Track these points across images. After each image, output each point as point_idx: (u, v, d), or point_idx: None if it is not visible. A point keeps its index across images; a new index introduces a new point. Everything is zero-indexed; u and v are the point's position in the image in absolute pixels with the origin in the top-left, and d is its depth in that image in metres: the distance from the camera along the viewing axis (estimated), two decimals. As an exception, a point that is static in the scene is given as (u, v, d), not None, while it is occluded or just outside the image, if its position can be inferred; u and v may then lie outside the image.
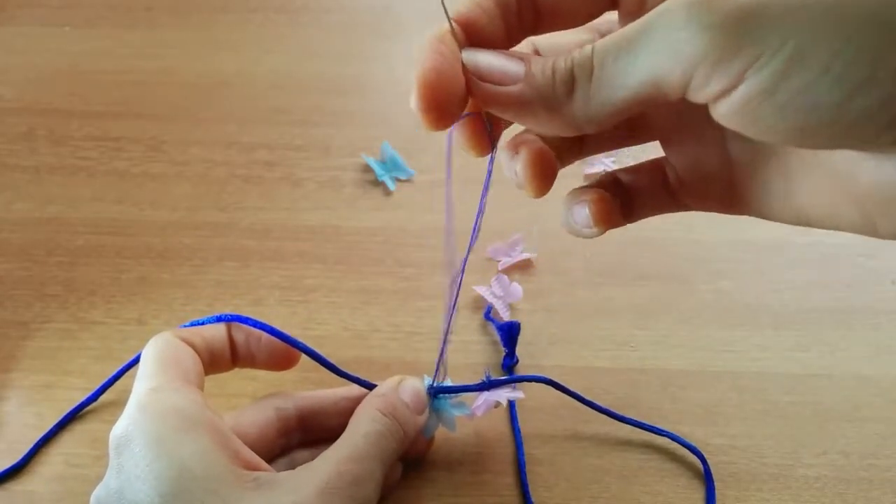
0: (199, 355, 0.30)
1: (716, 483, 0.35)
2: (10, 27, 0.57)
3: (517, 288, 0.41)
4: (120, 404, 0.37)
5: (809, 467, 0.36)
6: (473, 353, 0.40)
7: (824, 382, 0.38)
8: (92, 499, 0.27)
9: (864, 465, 0.36)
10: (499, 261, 0.43)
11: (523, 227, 0.44)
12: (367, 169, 0.47)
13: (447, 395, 0.35)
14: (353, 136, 0.49)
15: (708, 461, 0.35)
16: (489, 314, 0.41)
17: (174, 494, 0.25)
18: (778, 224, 0.45)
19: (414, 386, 0.33)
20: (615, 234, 0.44)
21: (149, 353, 0.29)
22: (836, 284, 0.42)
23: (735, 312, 0.41)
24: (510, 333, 0.38)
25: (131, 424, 0.26)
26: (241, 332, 0.32)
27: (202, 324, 0.33)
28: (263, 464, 0.28)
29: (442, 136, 0.53)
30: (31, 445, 0.36)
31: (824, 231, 0.46)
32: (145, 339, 0.39)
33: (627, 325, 0.40)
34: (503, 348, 0.39)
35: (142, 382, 0.28)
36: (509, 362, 0.39)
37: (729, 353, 0.39)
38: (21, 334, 0.40)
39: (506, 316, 0.41)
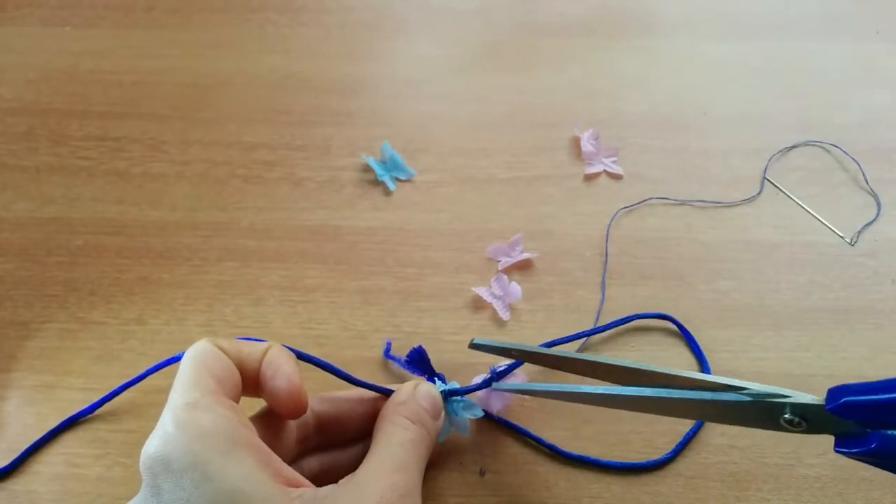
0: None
1: (716, 483, 0.35)
2: (10, 27, 0.57)
3: (516, 288, 0.41)
4: (120, 404, 0.38)
5: (809, 467, 0.36)
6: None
7: (824, 382, 0.38)
8: None
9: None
10: (499, 261, 0.43)
11: (523, 227, 0.44)
12: (367, 169, 0.47)
13: (458, 397, 0.35)
14: (353, 136, 0.49)
15: (699, 426, 0.36)
16: (388, 352, 0.39)
17: None
18: (778, 224, 0.46)
19: (430, 391, 0.33)
20: (615, 233, 0.44)
21: (186, 363, 0.28)
22: (836, 284, 0.42)
23: (735, 312, 0.41)
24: (420, 359, 0.36)
25: (169, 444, 0.25)
26: (268, 362, 0.30)
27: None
28: (303, 479, 0.27)
29: (442, 136, 0.53)
30: (30, 445, 0.36)
31: (824, 231, 0.46)
32: (145, 339, 0.40)
33: (628, 325, 0.40)
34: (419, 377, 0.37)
35: (177, 394, 0.27)
36: (434, 380, 0.36)
37: (729, 353, 0.39)
38: (21, 334, 0.40)
39: (506, 316, 0.41)
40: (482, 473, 0.36)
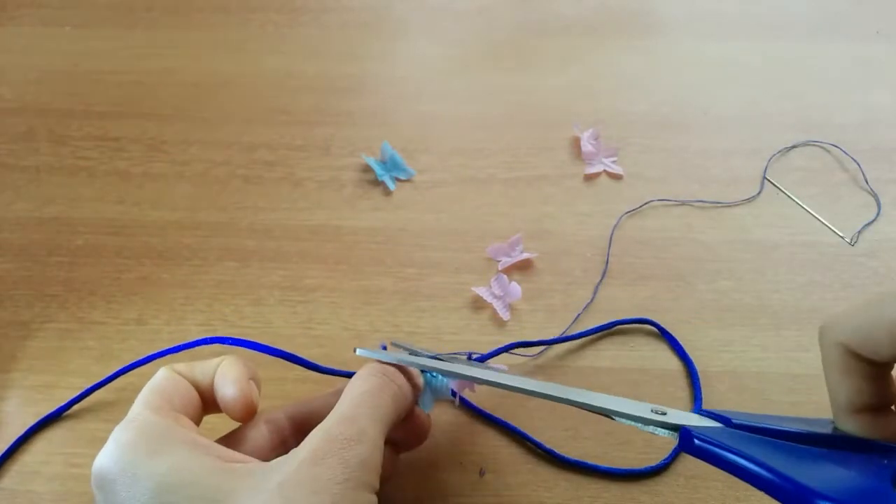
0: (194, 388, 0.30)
1: (716, 483, 0.35)
2: (10, 27, 0.57)
3: (516, 288, 0.41)
4: (120, 404, 0.38)
5: (809, 467, 0.36)
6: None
7: (824, 382, 0.38)
8: None
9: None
10: (499, 261, 0.43)
11: (523, 227, 0.44)
12: (367, 169, 0.47)
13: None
14: (353, 136, 0.49)
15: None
16: None
17: None
18: (778, 224, 0.46)
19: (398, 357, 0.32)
20: (616, 233, 0.44)
21: (142, 390, 0.29)
22: (836, 284, 0.42)
23: (735, 312, 0.41)
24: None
25: (104, 457, 0.26)
26: (220, 374, 0.30)
27: (189, 346, 0.33)
28: (254, 459, 0.27)
29: (442, 136, 0.53)
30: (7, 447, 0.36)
31: (824, 231, 0.46)
32: (145, 339, 0.40)
33: (628, 325, 0.40)
34: None
35: (127, 414, 0.28)
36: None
37: (729, 353, 0.39)
38: (21, 334, 0.40)
39: (506, 316, 0.41)
40: (482, 473, 0.36)
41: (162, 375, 0.29)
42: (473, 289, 0.41)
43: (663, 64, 0.54)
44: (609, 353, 0.40)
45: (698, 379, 0.38)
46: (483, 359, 0.36)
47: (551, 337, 0.40)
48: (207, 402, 0.30)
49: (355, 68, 0.54)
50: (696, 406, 0.37)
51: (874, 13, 0.57)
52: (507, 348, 0.38)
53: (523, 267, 0.43)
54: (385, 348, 0.38)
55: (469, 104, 0.51)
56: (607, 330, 0.40)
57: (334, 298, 0.42)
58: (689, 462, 0.36)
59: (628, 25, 0.57)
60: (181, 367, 0.30)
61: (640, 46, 0.55)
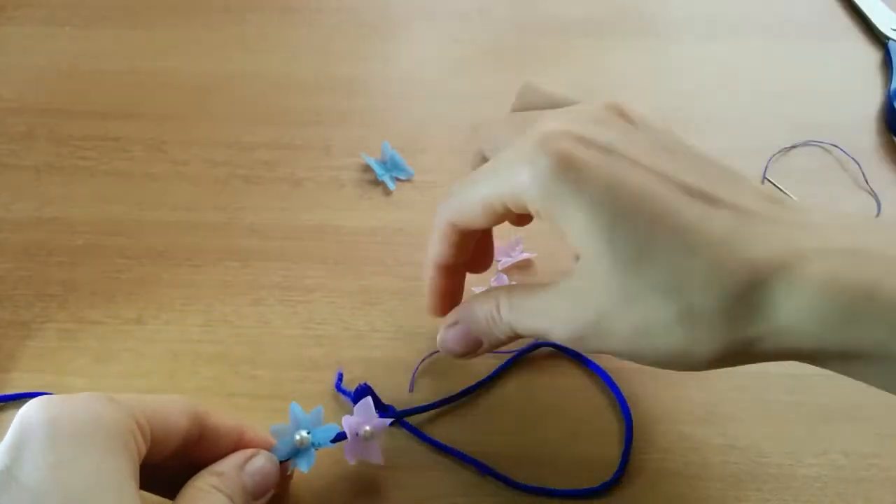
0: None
1: (716, 483, 0.35)
2: (10, 27, 0.57)
3: (517, 288, 0.41)
4: (120, 404, 0.38)
5: (809, 467, 0.36)
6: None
7: (824, 382, 0.38)
8: None
9: (864, 465, 0.36)
10: (499, 261, 0.43)
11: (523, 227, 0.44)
12: (367, 169, 0.47)
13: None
14: (353, 136, 0.49)
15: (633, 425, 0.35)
16: (339, 385, 0.37)
17: None
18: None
19: (264, 467, 0.28)
20: (615, 234, 0.44)
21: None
22: (836, 284, 0.42)
23: (735, 312, 0.41)
24: (363, 397, 0.34)
25: None
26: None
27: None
28: None
29: (442, 135, 0.53)
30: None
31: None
32: (145, 339, 0.40)
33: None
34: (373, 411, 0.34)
35: None
36: (384, 414, 0.35)
37: (729, 353, 0.39)
38: (21, 334, 0.40)
39: (506, 316, 0.41)
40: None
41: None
42: (473, 289, 0.41)
43: (663, 64, 0.54)
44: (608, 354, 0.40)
45: (622, 396, 0.37)
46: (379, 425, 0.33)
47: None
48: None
49: (355, 68, 0.54)
50: (626, 434, 0.36)
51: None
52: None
53: (523, 267, 0.43)
54: (341, 376, 0.37)
55: (469, 104, 0.51)
56: (511, 364, 0.39)
57: (334, 298, 0.42)
58: (689, 462, 0.36)
59: (628, 25, 0.57)
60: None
61: (640, 46, 0.55)
